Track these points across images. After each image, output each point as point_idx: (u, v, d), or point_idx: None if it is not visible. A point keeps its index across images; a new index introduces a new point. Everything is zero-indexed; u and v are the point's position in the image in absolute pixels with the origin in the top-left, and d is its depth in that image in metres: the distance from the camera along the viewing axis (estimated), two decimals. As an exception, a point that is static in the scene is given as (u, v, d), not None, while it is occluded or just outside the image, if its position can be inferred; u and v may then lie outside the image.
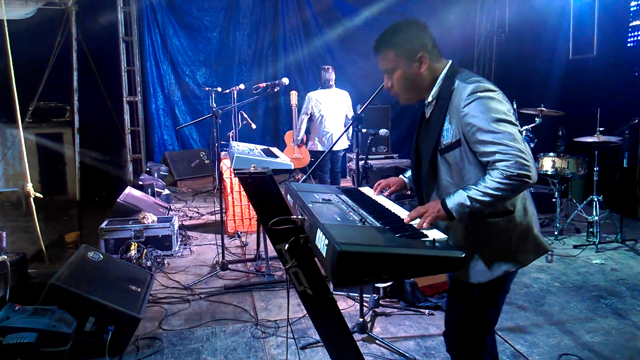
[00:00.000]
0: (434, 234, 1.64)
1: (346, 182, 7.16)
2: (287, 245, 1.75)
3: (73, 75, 7.11)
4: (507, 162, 1.69)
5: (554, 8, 7.05)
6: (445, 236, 1.62)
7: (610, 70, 6.22)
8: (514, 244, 1.88)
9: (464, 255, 1.51)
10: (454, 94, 1.83)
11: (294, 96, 6.85)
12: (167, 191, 6.81)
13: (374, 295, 3.68)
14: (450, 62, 1.94)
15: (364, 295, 3.46)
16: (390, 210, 1.95)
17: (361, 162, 3.32)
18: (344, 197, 2.10)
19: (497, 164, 1.71)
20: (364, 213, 1.84)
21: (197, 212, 6.57)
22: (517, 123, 1.81)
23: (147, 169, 7.44)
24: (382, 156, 7.12)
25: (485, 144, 1.73)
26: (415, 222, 1.77)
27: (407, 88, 1.94)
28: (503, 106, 1.77)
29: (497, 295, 1.98)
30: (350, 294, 3.84)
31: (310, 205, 1.81)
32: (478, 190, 1.73)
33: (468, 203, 1.73)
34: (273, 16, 8.32)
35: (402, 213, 1.90)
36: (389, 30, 1.92)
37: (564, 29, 6.90)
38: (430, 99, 1.93)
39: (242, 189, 5.38)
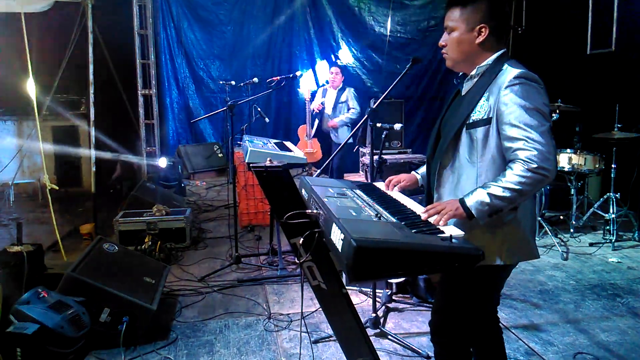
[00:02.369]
0: (451, 230, 1.62)
1: (359, 177, 7.12)
2: (301, 239, 1.74)
3: (89, 69, 7.15)
4: (530, 152, 1.68)
5: (572, 1, 6.94)
6: (462, 232, 1.60)
7: (629, 66, 6.11)
8: (506, 240, 1.86)
9: (481, 252, 1.49)
10: (500, 74, 1.84)
11: (307, 90, 6.83)
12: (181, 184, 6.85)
13: (387, 290, 3.67)
14: (505, 49, 1.94)
15: (377, 290, 3.45)
16: (405, 206, 1.93)
17: (375, 157, 3.30)
18: (358, 192, 2.08)
19: (519, 152, 1.70)
20: (379, 208, 1.83)
21: (211, 205, 6.60)
22: (551, 119, 1.80)
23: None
24: (396, 151, 7.05)
25: (515, 128, 1.73)
26: (432, 219, 1.74)
27: (457, 52, 1.94)
28: (543, 99, 1.78)
29: (481, 284, 1.95)
30: (363, 289, 3.84)
31: (326, 199, 1.79)
32: (498, 186, 1.70)
33: (488, 200, 1.70)
34: (286, 10, 8.29)
35: (418, 209, 1.88)
36: None
37: (582, 23, 6.79)
38: (474, 72, 1.93)
39: (255, 182, 5.39)
